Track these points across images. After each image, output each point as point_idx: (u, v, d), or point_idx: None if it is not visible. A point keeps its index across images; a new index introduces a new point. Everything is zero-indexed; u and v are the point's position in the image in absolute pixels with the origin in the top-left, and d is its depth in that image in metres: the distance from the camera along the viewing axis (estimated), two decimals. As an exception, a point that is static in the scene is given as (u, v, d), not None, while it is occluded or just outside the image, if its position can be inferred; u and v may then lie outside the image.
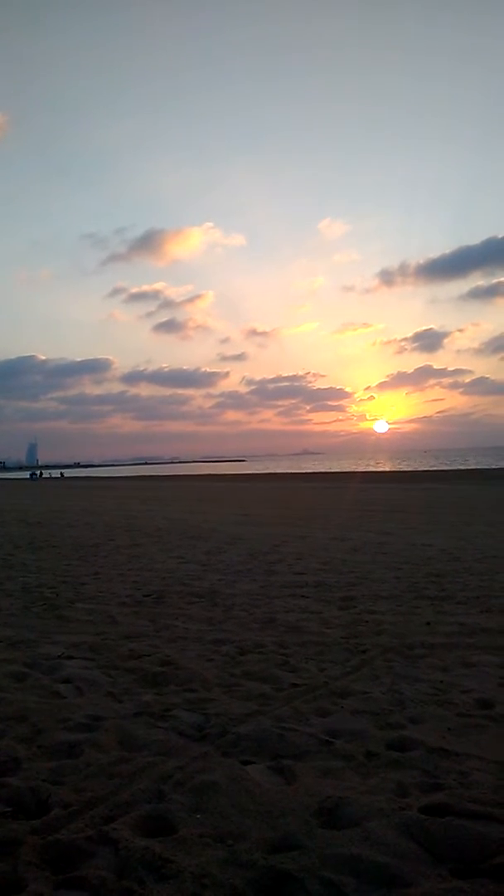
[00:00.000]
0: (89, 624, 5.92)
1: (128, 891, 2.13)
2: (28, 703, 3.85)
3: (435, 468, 67.86)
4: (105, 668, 4.61)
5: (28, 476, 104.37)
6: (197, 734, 3.44)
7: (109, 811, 2.63)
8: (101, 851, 2.34)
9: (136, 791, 2.79)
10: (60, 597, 7.11)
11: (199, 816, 2.61)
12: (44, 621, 6.04)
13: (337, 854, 2.33)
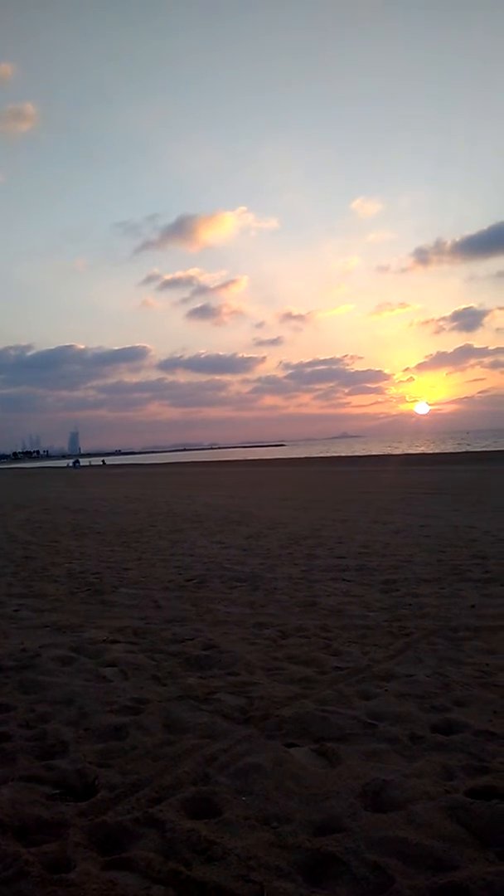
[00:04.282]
0: (133, 608, 6.00)
1: (174, 872, 2.16)
2: (74, 687, 3.93)
3: (477, 449, 66.76)
4: (149, 651, 4.67)
5: (70, 464, 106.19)
6: (241, 717, 3.46)
7: (155, 793, 2.67)
8: (147, 833, 2.38)
9: (181, 773, 2.82)
10: (104, 582, 7.22)
11: (244, 799, 2.63)
12: (89, 606, 6.14)
13: (382, 837, 2.33)
